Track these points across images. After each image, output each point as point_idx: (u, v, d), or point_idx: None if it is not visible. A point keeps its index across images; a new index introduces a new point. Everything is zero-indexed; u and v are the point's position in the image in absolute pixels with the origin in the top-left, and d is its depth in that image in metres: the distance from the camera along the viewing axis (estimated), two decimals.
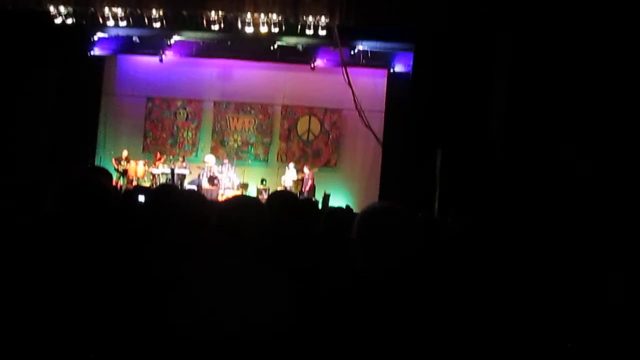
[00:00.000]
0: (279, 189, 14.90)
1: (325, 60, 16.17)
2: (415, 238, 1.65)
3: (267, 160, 17.17)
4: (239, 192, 15.12)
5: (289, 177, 15.72)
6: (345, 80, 15.23)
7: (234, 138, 17.39)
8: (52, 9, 13.63)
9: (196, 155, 17.12)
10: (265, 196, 14.97)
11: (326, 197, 15.17)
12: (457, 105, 12.75)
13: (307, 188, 15.51)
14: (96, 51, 16.29)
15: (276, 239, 2.18)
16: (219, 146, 17.29)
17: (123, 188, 14.23)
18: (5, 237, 1.94)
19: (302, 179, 15.71)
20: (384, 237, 1.66)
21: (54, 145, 14.59)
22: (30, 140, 14.25)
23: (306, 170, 15.78)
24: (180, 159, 16.08)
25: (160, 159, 16.21)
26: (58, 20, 13.57)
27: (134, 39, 15.69)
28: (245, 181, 16.19)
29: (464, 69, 12.45)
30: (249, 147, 17.31)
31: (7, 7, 13.27)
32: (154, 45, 16.16)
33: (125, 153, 15.92)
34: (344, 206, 4.46)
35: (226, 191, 14.52)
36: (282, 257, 2.10)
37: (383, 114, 16.09)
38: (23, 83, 14.45)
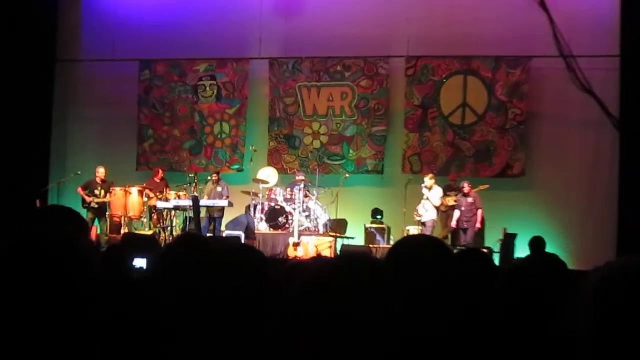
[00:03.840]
0: (410, 230, 14.95)
1: None
2: None
3: (382, 170, 16.29)
4: (328, 241, 14.51)
5: (431, 203, 14.82)
6: None
7: (313, 131, 16.56)
8: None
9: (241, 168, 16.64)
10: (383, 244, 14.69)
11: (508, 240, 14.31)
12: None
13: (469, 223, 14.75)
14: None
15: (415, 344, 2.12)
16: (285, 149, 16.66)
17: (103, 242, 14.20)
18: None
19: (458, 207, 14.82)
20: None
21: None
22: None
23: (466, 187, 14.75)
24: (212, 178, 15.47)
25: (163, 179, 15.93)
26: None
27: None
28: (339, 216, 15.41)
29: None
30: (345, 147, 16.49)
31: None
32: None
33: (101, 172, 15.56)
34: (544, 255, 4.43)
35: (303, 238, 14.22)
36: None
37: (618, 63, 14.95)
38: None
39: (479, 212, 14.59)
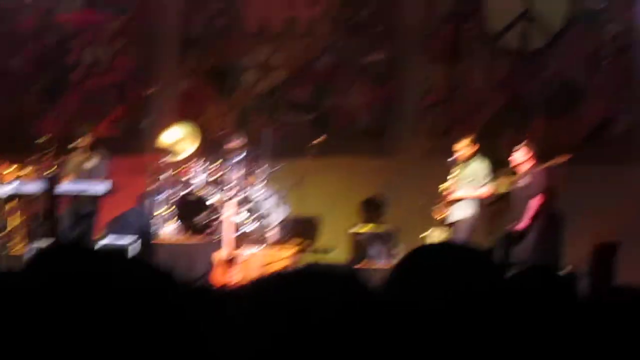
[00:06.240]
0: (430, 234, 14.25)
1: None
2: None
3: (383, 130, 15.44)
4: (285, 256, 13.88)
5: (467, 189, 13.89)
6: None
7: (260, 60, 15.90)
8: None
9: (135, 129, 15.82)
10: (383, 262, 14.52)
11: (604, 255, 13.29)
12: None
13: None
14: None
15: None
16: (210, 94, 15.84)
17: None
18: None
19: (516, 196, 13.94)
20: None
21: None
22: None
23: (519, 154, 13.99)
24: (78, 144, 14.58)
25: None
26: None
27: None
28: (306, 212, 14.83)
29: None
30: (317, 89, 15.69)
31: None
32: None
33: None
34: None
35: (241, 251, 13.75)
36: None
37: None
38: None
39: (536, 199, 13.45)
